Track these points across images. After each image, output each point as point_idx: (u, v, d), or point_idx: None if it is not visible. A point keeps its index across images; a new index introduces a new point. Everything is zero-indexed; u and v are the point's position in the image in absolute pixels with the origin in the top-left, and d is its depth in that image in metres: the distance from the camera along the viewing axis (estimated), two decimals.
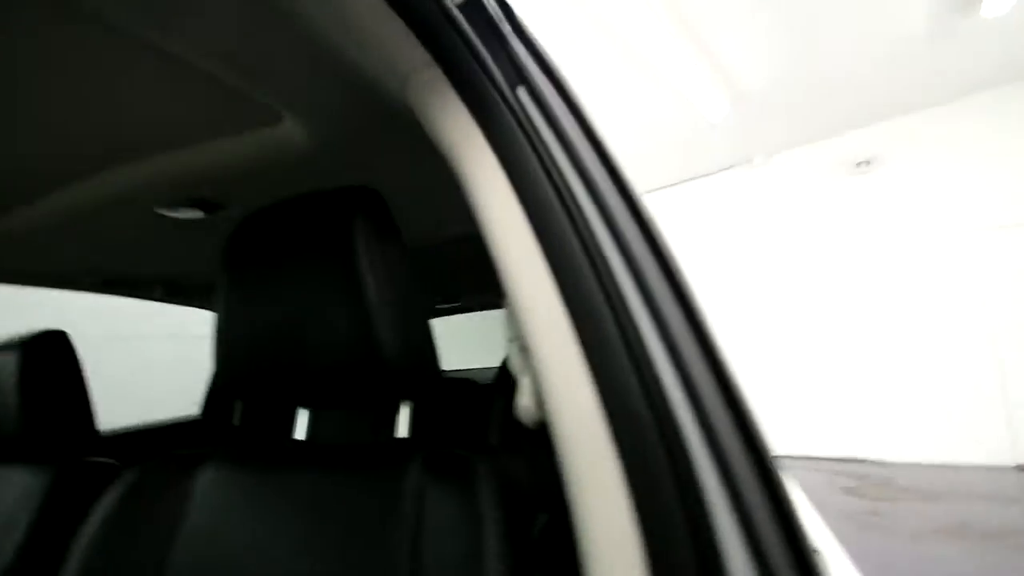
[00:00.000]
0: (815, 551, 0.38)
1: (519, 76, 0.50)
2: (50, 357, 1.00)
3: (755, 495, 0.34)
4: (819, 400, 5.04)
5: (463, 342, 3.00)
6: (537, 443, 0.45)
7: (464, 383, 1.75)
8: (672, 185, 5.93)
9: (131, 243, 1.14)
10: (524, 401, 0.45)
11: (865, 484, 4.12)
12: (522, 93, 0.50)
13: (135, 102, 0.67)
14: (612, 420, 0.36)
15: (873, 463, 4.64)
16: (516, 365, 0.49)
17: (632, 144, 4.80)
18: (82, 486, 0.87)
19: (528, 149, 0.47)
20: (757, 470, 0.36)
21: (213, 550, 0.55)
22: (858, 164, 4.87)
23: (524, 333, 0.43)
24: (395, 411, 0.67)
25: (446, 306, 2.36)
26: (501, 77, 0.50)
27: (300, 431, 0.69)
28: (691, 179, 5.83)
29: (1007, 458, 4.14)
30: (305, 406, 0.69)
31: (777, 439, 5.16)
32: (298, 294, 0.57)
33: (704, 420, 0.36)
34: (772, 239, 5.41)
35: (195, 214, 0.99)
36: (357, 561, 0.50)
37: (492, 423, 1.28)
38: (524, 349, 0.44)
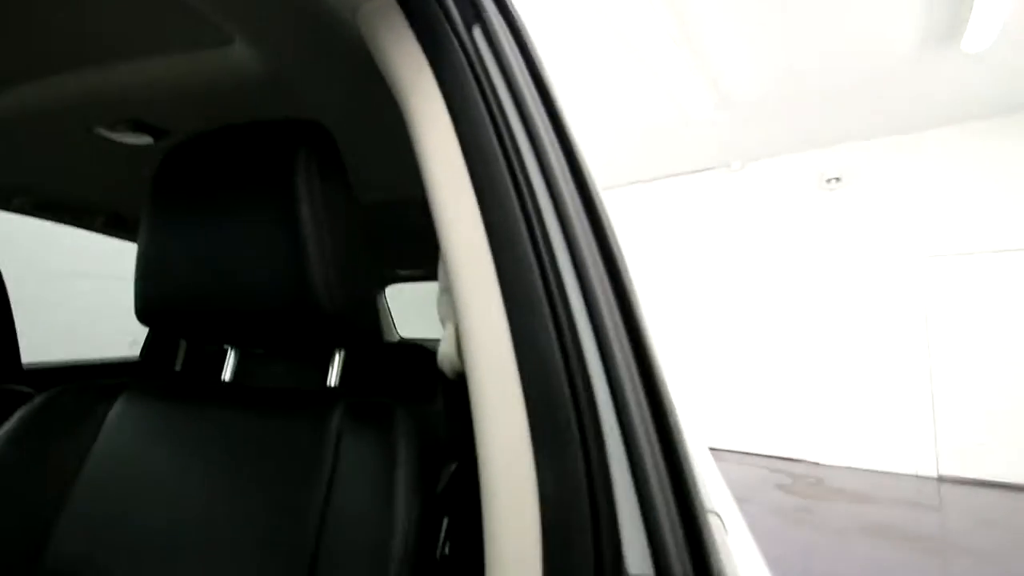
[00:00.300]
0: (713, 512, 0.38)
1: (475, 14, 0.48)
2: None
3: (655, 467, 0.34)
4: (760, 399, 5.24)
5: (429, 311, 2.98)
6: (455, 393, 0.44)
7: (416, 348, 1.74)
8: (652, 180, 5.96)
9: (69, 165, 1.07)
10: (445, 348, 0.44)
11: (798, 483, 4.32)
12: (476, 32, 0.47)
13: (78, 7, 0.62)
14: (526, 376, 0.36)
15: (807, 463, 4.86)
16: (442, 313, 0.48)
17: (616, 137, 4.78)
18: None
19: (476, 91, 0.45)
20: (659, 435, 0.36)
21: (120, 480, 0.53)
22: (828, 180, 5.00)
23: (452, 281, 0.42)
24: (328, 359, 0.65)
25: (407, 272, 2.32)
26: (457, 13, 0.47)
27: (228, 372, 0.66)
28: (669, 176, 5.87)
29: (931, 469, 4.41)
30: (234, 346, 0.67)
31: (718, 434, 5.35)
32: (229, 227, 0.54)
33: (615, 384, 0.36)
34: (735, 242, 5.53)
35: (139, 139, 0.93)
36: (266, 500, 0.48)
37: (439, 386, 1.27)
38: (453, 299, 0.43)
